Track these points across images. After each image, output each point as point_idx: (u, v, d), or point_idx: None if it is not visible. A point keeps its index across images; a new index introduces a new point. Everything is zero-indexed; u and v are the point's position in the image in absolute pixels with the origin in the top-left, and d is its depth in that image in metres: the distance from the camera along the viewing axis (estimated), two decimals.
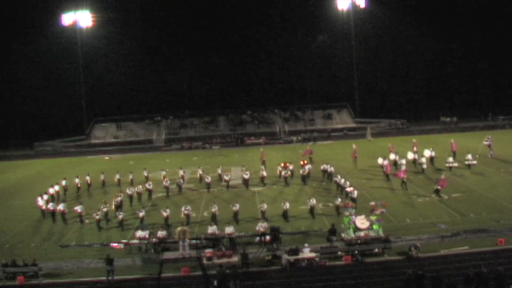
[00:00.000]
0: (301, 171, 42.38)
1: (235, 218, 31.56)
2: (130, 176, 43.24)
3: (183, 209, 32.27)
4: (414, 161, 44.59)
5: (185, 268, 24.54)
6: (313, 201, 32.34)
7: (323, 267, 24.45)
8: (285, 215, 31.63)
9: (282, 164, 43.75)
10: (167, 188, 39.83)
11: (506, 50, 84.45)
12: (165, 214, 31.78)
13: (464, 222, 29.35)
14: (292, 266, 24.49)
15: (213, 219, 30.91)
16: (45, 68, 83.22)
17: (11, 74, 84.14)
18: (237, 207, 32.05)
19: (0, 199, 42.81)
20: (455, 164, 42.88)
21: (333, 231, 26.97)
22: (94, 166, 55.19)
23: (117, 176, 43.97)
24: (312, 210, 32.07)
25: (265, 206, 32.10)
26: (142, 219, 31.69)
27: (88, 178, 43.71)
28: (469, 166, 42.91)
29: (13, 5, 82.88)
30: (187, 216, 31.83)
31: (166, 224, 30.97)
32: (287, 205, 32.00)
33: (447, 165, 42.61)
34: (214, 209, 31.45)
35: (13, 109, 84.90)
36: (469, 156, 43.41)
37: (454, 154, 45.74)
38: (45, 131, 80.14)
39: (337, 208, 31.91)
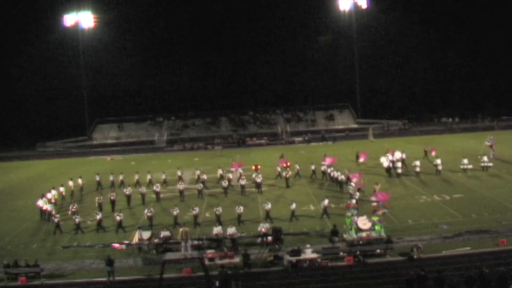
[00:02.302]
0: (283, 174, 41.93)
1: (268, 216, 31.21)
2: (121, 177, 42.94)
3: (146, 211, 32.28)
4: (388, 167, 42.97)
5: (187, 269, 24.54)
6: (267, 205, 31.99)
7: (325, 268, 24.43)
8: (239, 219, 31.48)
9: (253, 167, 43.52)
10: (181, 192, 38.55)
11: (506, 51, 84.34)
12: (194, 212, 31.77)
13: (466, 223, 29.28)
14: (294, 266, 24.45)
15: (238, 218, 31.27)
16: (47, 68, 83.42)
17: (13, 74, 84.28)
18: (269, 205, 31.75)
19: (2, 200, 42.89)
20: (470, 166, 41.91)
21: (335, 232, 26.96)
22: (96, 167, 55.16)
23: (111, 178, 43.50)
24: (267, 213, 31.59)
25: (220, 209, 31.53)
26: (176, 217, 31.54)
27: (80, 180, 43.22)
28: (485, 168, 41.66)
29: (15, 7, 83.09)
30: (150, 218, 31.69)
31: (196, 222, 31.26)
32: (241, 208, 31.80)
33: (462, 167, 41.93)
34: (240, 210, 31.57)
35: (15, 110, 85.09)
36: (485, 159, 42.26)
37: (426, 155, 45.73)
38: (47, 131, 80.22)
39: (292, 212, 31.66)
